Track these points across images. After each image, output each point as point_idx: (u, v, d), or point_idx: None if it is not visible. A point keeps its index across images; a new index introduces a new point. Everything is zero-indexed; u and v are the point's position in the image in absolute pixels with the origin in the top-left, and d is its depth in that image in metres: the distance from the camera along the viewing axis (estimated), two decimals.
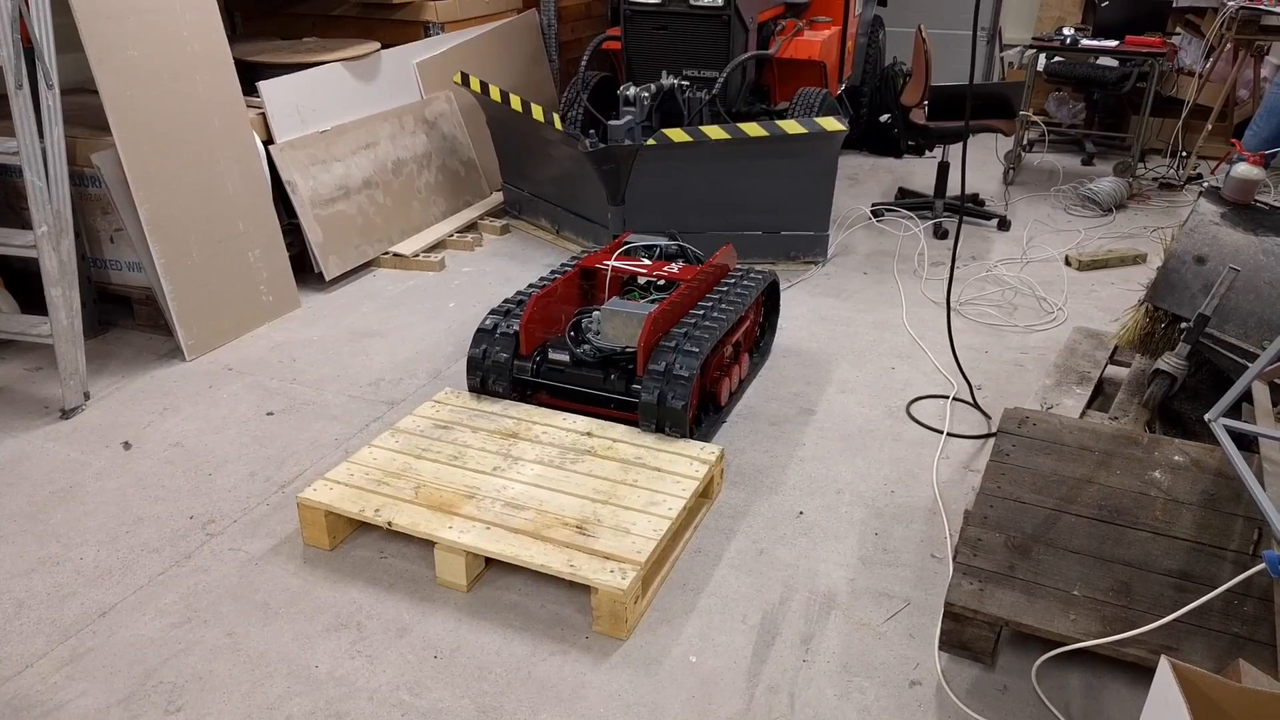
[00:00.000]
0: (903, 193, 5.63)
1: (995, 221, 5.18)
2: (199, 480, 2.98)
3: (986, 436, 3.17)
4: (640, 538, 2.43)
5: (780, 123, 4.28)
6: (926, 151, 6.56)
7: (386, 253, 4.70)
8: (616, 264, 3.43)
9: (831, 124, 4.24)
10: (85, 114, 3.80)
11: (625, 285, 3.47)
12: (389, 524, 2.52)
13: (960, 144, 5.10)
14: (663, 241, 3.66)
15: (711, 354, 3.09)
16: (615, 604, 2.28)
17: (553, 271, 3.48)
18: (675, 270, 3.39)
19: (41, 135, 3.15)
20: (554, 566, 2.34)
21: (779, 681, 2.20)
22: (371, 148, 4.74)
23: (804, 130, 4.25)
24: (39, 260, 3.22)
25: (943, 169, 5.12)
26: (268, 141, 4.21)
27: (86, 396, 3.43)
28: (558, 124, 4.52)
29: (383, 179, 4.78)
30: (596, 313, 3.13)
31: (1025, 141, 6.36)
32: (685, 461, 2.76)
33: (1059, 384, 3.16)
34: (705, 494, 2.80)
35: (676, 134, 4.33)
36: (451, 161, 5.29)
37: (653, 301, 3.30)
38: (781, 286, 4.40)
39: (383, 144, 4.81)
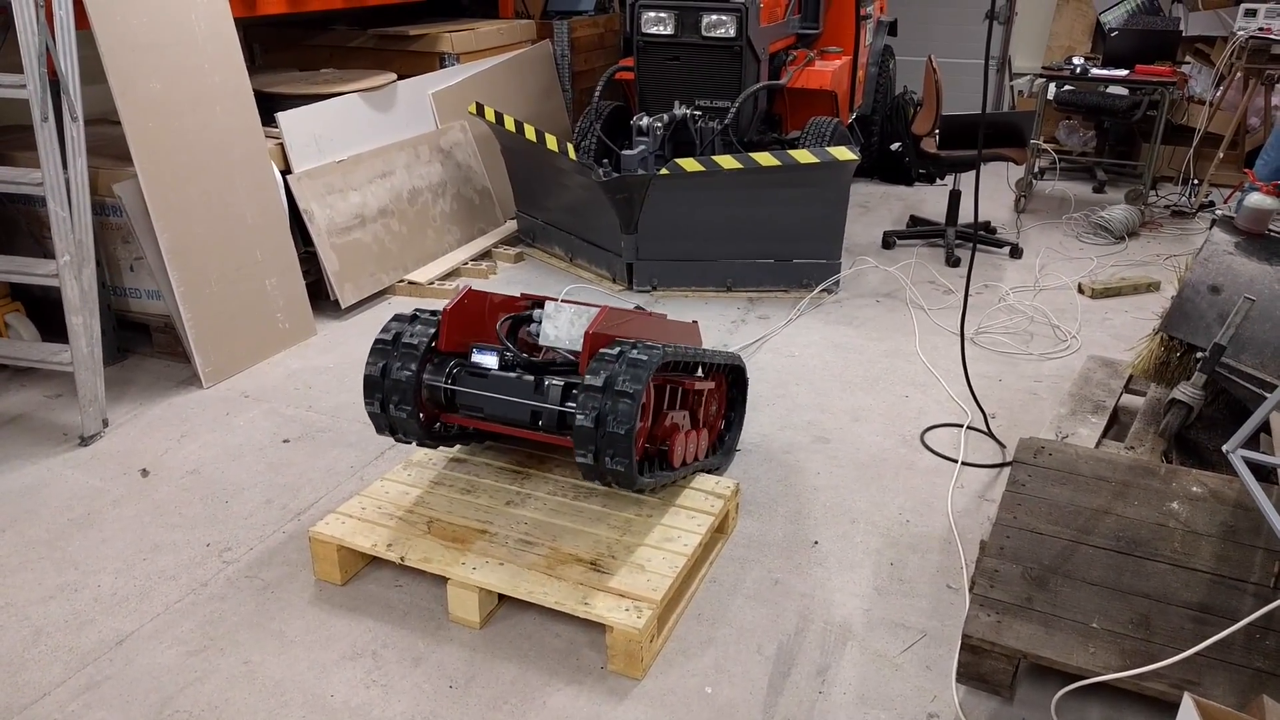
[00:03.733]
0: (914, 221, 5.65)
1: (1008, 249, 5.19)
2: (216, 508, 3.00)
3: (1001, 466, 3.17)
4: (656, 575, 2.42)
5: (792, 152, 4.32)
6: (938, 180, 6.59)
7: (402, 280, 4.74)
8: (567, 300, 2.87)
9: (843, 153, 4.27)
10: (107, 144, 3.85)
11: None
12: (401, 559, 2.53)
13: (971, 172, 5.12)
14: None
15: (661, 404, 2.62)
16: (631, 643, 2.27)
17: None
18: (630, 307, 2.94)
19: (65, 166, 3.20)
20: (569, 605, 2.33)
21: (794, 713, 2.19)
22: (387, 177, 4.79)
23: (816, 160, 4.28)
24: (61, 289, 3.26)
25: (954, 197, 5.14)
26: (285, 171, 4.27)
27: (105, 423, 3.46)
28: (571, 154, 4.56)
29: (398, 207, 4.82)
30: (539, 311, 2.69)
31: (1036, 169, 6.38)
32: (700, 496, 2.75)
33: (1074, 413, 3.15)
34: (720, 529, 2.79)
35: (689, 163, 4.37)
36: (466, 190, 5.34)
37: None
38: (793, 314, 4.42)
39: (398, 173, 4.87)
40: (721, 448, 3.15)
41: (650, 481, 2.51)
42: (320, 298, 4.44)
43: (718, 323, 4.35)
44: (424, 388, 2.57)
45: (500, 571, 2.44)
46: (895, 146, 6.36)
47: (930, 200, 6.25)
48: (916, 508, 2.96)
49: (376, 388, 2.56)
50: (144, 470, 3.21)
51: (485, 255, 5.20)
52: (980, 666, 2.13)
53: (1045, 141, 6.64)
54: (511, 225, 5.51)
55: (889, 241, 5.35)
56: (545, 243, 5.24)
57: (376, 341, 2.58)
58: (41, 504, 3.02)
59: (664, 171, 4.37)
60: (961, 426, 3.40)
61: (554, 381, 2.47)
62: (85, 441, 3.37)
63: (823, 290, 4.64)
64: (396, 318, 2.65)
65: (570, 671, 2.31)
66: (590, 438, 2.30)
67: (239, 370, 3.91)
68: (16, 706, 2.22)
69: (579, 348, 2.49)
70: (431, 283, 4.72)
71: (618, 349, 2.41)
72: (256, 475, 3.17)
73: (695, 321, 3.14)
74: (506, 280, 4.94)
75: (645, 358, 2.38)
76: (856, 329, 4.26)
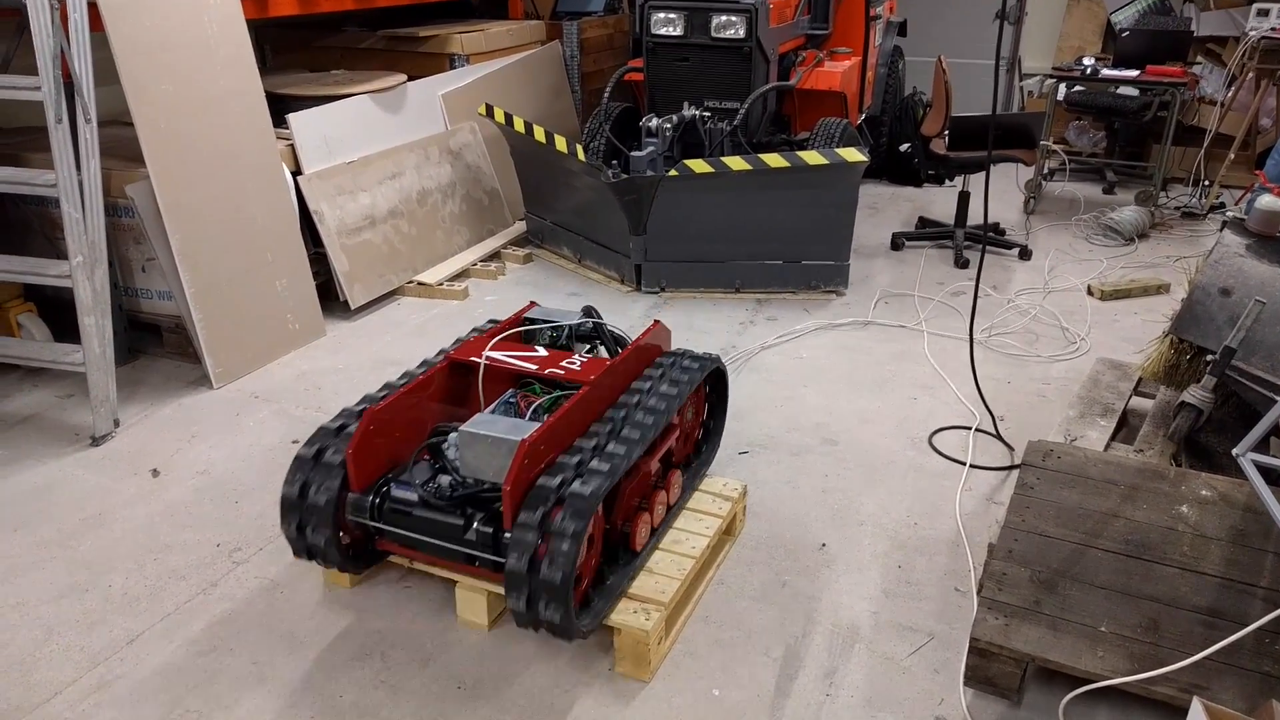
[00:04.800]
0: (923, 222, 5.64)
1: (1016, 251, 5.18)
2: (226, 508, 3.02)
3: (1010, 468, 3.16)
4: (663, 577, 2.42)
5: (801, 154, 4.32)
6: (947, 181, 6.57)
7: (411, 281, 4.75)
8: (495, 356, 2.61)
9: (852, 155, 4.27)
10: (119, 146, 3.88)
11: (521, 381, 2.69)
12: (410, 563, 2.53)
13: (980, 173, 5.11)
14: (570, 320, 2.89)
15: (620, 486, 2.36)
16: (639, 645, 2.28)
17: (422, 365, 2.75)
18: (576, 366, 2.59)
19: (79, 168, 3.22)
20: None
21: (802, 716, 2.19)
22: (397, 178, 4.81)
23: (825, 161, 4.27)
24: (73, 290, 3.29)
25: (963, 198, 5.13)
26: (296, 172, 4.28)
27: (116, 424, 3.48)
28: (580, 155, 4.57)
29: (408, 209, 4.84)
30: (453, 435, 2.36)
31: (1046, 170, 6.36)
32: (708, 499, 2.76)
33: (1083, 416, 3.15)
34: (728, 531, 2.79)
35: (698, 165, 4.37)
36: (475, 191, 5.36)
37: (545, 410, 2.51)
38: (802, 316, 4.41)
39: (408, 174, 4.88)
40: (697, 459, 2.94)
41: (592, 625, 2.22)
42: (329, 299, 4.46)
43: (726, 324, 4.35)
44: (337, 526, 2.35)
45: None
46: (904, 147, 6.35)
47: (939, 201, 6.23)
48: (924, 510, 2.96)
49: (294, 509, 2.35)
50: (154, 470, 3.23)
51: (494, 256, 5.21)
52: (988, 670, 2.13)
53: (1055, 142, 6.62)
54: (520, 226, 5.52)
55: (898, 243, 5.34)
56: (554, 244, 5.25)
57: (296, 458, 2.38)
58: (53, 504, 3.04)
59: (673, 173, 4.37)
60: (970, 429, 3.40)
61: (482, 527, 2.20)
62: (96, 442, 3.39)
63: (830, 292, 4.64)
64: (321, 431, 2.44)
65: (578, 674, 2.31)
66: (522, 582, 2.06)
67: (249, 371, 3.93)
68: (28, 705, 2.23)
69: (502, 479, 2.15)
70: (441, 284, 4.74)
71: (556, 478, 2.14)
72: (266, 476, 3.18)
73: (656, 322, 2.88)
74: (515, 281, 4.95)
75: (588, 491, 2.10)
76: (864, 330, 4.26)
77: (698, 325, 4.35)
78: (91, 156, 3.26)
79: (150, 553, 2.79)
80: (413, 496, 2.28)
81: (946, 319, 4.36)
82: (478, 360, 2.60)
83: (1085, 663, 2.02)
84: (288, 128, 4.29)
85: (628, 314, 4.49)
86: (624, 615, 2.29)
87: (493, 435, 2.22)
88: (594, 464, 2.22)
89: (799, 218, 4.48)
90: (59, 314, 3.94)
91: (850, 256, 4.65)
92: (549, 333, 2.86)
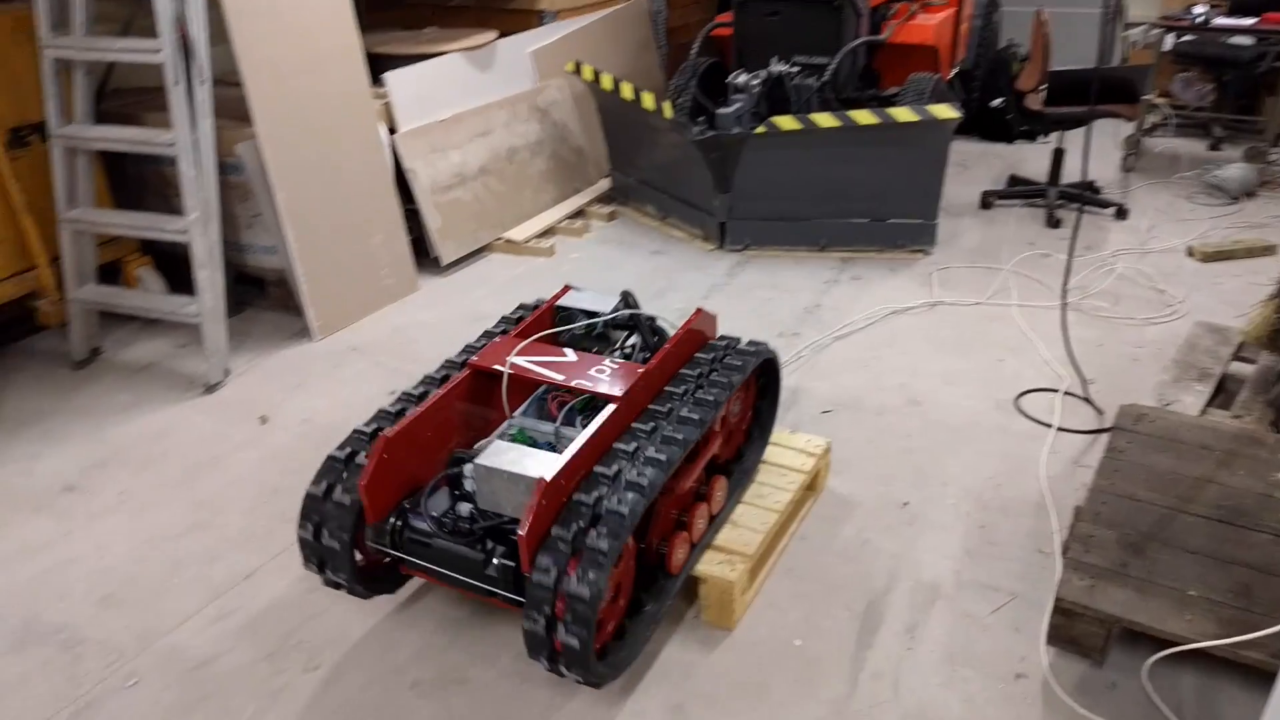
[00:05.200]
0: (1014, 180, 5.50)
1: (1113, 210, 5.02)
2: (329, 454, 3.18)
3: (1099, 432, 3.12)
4: (748, 530, 2.49)
5: (891, 110, 4.25)
6: (1040, 137, 6.37)
7: (499, 238, 4.86)
8: (519, 362, 2.40)
9: (944, 111, 4.19)
10: (226, 105, 4.03)
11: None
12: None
13: (1076, 129, 4.96)
14: (606, 309, 2.65)
15: (654, 505, 2.22)
16: (724, 594, 2.35)
17: (430, 376, 2.55)
18: (606, 376, 2.34)
19: (194, 128, 3.38)
20: None
21: (883, 668, 2.25)
22: (487, 135, 4.90)
23: (916, 118, 4.21)
24: (189, 245, 3.47)
25: (1058, 155, 4.99)
26: (391, 130, 4.41)
27: (227, 373, 3.68)
28: (667, 112, 4.59)
29: (497, 166, 4.93)
30: (469, 466, 2.20)
31: (1147, 126, 6.12)
32: (792, 454, 2.80)
33: (1178, 380, 3.08)
34: (811, 487, 2.83)
35: (786, 121, 4.35)
36: (562, 149, 5.42)
37: (579, 411, 2.35)
38: (888, 275, 4.38)
39: (498, 132, 4.97)
40: (745, 456, 2.73)
41: (628, 659, 2.15)
42: (422, 255, 4.59)
43: (810, 283, 4.35)
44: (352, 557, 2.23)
45: None
46: (997, 103, 6.17)
47: (1031, 159, 6.05)
48: (1009, 472, 2.95)
49: (312, 549, 2.23)
50: (263, 418, 3.42)
51: (579, 214, 5.28)
52: (1072, 630, 2.14)
53: (1159, 96, 6.34)
54: (605, 184, 5.57)
55: (987, 202, 5.23)
56: (638, 201, 5.29)
57: (308, 495, 2.26)
58: (173, 446, 3.25)
59: (760, 129, 4.36)
60: (1058, 392, 3.36)
61: (504, 561, 2.07)
62: (210, 389, 3.60)
63: (916, 251, 4.59)
64: (352, 440, 2.35)
65: (665, 621, 2.40)
66: (541, 645, 1.96)
67: (347, 324, 4.10)
68: (161, 630, 2.43)
69: (521, 514, 1.99)
70: (528, 241, 4.84)
71: (572, 526, 1.97)
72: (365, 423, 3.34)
73: (699, 311, 2.62)
74: (600, 239, 5.02)
75: (606, 547, 1.92)
76: (951, 291, 4.21)
77: (781, 284, 4.36)
78: (205, 116, 3.42)
79: (262, 495, 2.98)
80: (431, 527, 2.14)
81: (1036, 280, 4.28)
82: (500, 369, 2.39)
83: (1172, 626, 2.02)
84: (383, 86, 4.40)
85: (710, 272, 4.52)
86: (709, 566, 2.37)
87: (510, 471, 2.05)
88: (613, 508, 1.99)
89: (887, 175, 4.42)
90: (171, 268, 4.16)
91: (938, 215, 4.58)
92: (582, 323, 2.66)
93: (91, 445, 3.26)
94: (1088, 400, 3.29)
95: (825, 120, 4.31)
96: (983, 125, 6.49)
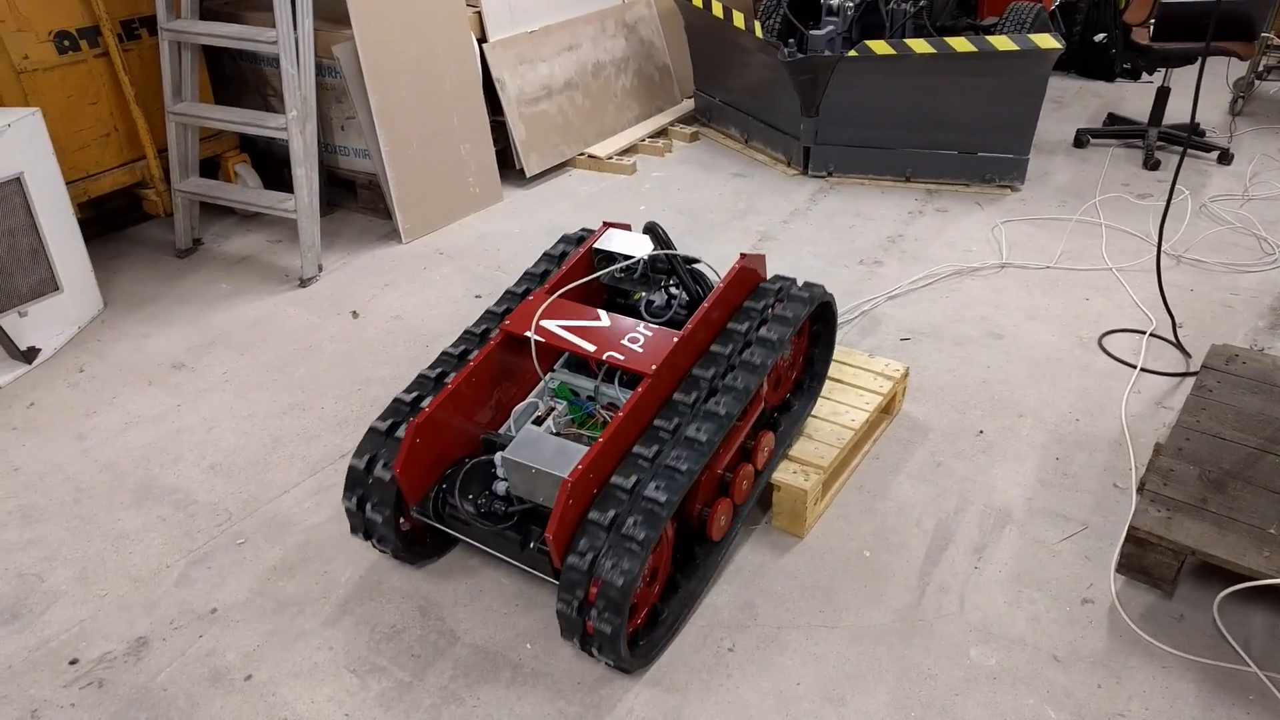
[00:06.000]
0: (1112, 119, 5.32)
1: (1216, 154, 4.84)
2: (416, 350, 3.30)
3: (1185, 375, 3.08)
4: (823, 444, 2.54)
5: (990, 38, 4.14)
6: (1145, 75, 6.13)
7: (582, 154, 4.89)
8: (549, 328, 2.30)
9: (1046, 41, 4.06)
10: (323, 7, 4.08)
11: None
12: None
13: (1183, 67, 4.76)
14: (642, 250, 2.51)
15: (689, 493, 2.14)
16: (796, 502, 2.42)
17: (470, 331, 2.50)
18: (639, 346, 2.21)
19: (295, 27, 3.45)
20: None
21: (949, 583, 2.31)
22: (574, 49, 4.89)
23: (1015, 47, 4.09)
24: (288, 142, 3.57)
25: (1162, 94, 4.80)
26: (481, 39, 4.43)
27: (320, 268, 3.82)
28: (758, 31, 4.52)
29: (582, 81, 4.93)
30: (500, 454, 2.16)
31: (1261, 68, 5.83)
32: (870, 376, 2.83)
33: (1273, 327, 3.02)
34: (887, 410, 2.87)
35: (879, 46, 4.26)
36: (647, 66, 5.38)
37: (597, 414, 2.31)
38: (973, 210, 4.32)
39: (585, 46, 4.95)
40: (797, 404, 2.61)
41: (663, 641, 2.12)
42: (506, 166, 4.65)
43: (893, 212, 4.31)
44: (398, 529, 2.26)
45: None
46: (1100, 37, 5.93)
47: (1131, 98, 5.84)
48: (1088, 408, 2.94)
49: (358, 483, 2.22)
50: (354, 312, 3.55)
51: (662, 133, 5.27)
52: (1144, 559, 2.17)
53: (1278, 35, 6.03)
54: (688, 104, 5.53)
55: (1082, 140, 5.08)
56: (721, 123, 5.25)
57: (371, 429, 2.26)
58: (272, 333, 3.40)
59: (852, 53, 4.28)
60: (1144, 333, 3.31)
61: (540, 545, 2.07)
62: (304, 283, 3.74)
63: (1005, 186, 4.50)
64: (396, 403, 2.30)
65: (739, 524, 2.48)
66: (574, 627, 1.95)
67: (434, 229, 4.19)
68: (265, 499, 2.60)
69: (553, 504, 1.96)
70: (610, 158, 4.85)
71: (610, 513, 1.94)
72: (451, 325, 3.45)
73: (743, 256, 2.45)
74: (681, 159, 5.01)
75: (642, 536, 1.88)
76: (1038, 228, 4.14)
77: (864, 212, 4.33)
78: (306, 16, 3.48)
79: (354, 383, 3.11)
80: (470, 509, 2.15)
81: (1129, 221, 4.18)
82: (529, 336, 2.30)
83: (1250, 561, 2.03)
84: None
85: (791, 197, 4.50)
86: (784, 475, 2.43)
87: (536, 467, 2.03)
88: (649, 501, 1.95)
89: (980, 107, 4.32)
90: (268, 167, 4.29)
91: (1030, 151, 4.47)
92: (618, 272, 2.54)
93: (196, 328, 3.43)
94: (1176, 343, 3.24)
95: (920, 46, 4.21)
96: (1083, 61, 6.26)
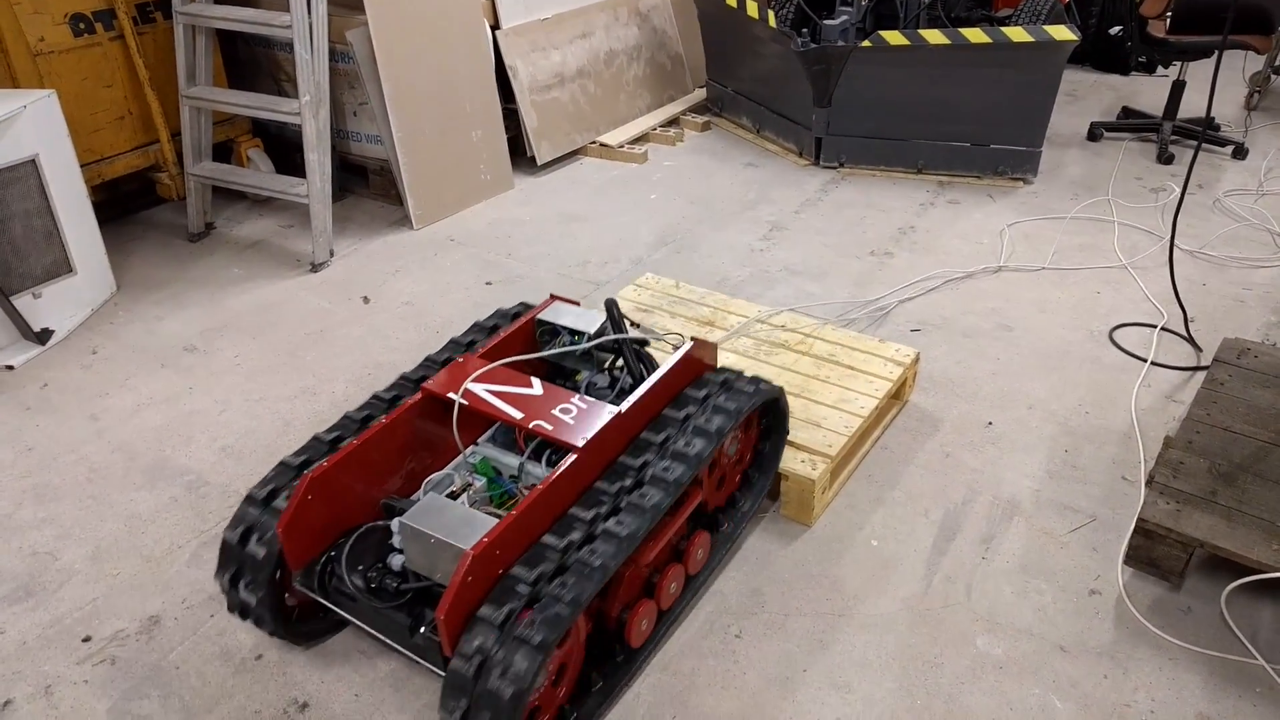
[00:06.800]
0: (1126, 112, 5.29)
1: (1230, 149, 4.81)
2: (427, 335, 3.32)
3: (1196, 369, 3.07)
4: (831, 432, 2.54)
5: (1005, 29, 4.12)
6: (1159, 69, 6.09)
7: (594, 142, 4.88)
8: (476, 392, 2.07)
9: (1061, 33, 4.04)
10: None
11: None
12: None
13: (1199, 60, 4.73)
14: (592, 326, 2.30)
15: (619, 571, 1.93)
16: (804, 492, 2.43)
17: (379, 396, 2.26)
18: (570, 418, 2.00)
19: (309, 12, 3.46)
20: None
21: (956, 573, 2.31)
22: (587, 37, 4.88)
23: (1030, 39, 4.07)
24: (301, 126, 3.58)
25: (1177, 87, 4.77)
26: (494, 26, 4.43)
27: (331, 254, 3.83)
28: (771, 21, 4.51)
29: (595, 69, 4.93)
30: (397, 521, 1.90)
31: (1279, 62, 5.79)
32: (879, 362, 2.83)
33: None
34: (896, 395, 2.87)
35: (893, 36, 4.25)
36: (660, 55, 5.37)
37: (551, 447, 2.09)
38: (985, 202, 4.30)
39: (598, 34, 4.95)
40: (739, 507, 2.39)
41: None
42: (517, 154, 4.65)
43: (904, 204, 4.30)
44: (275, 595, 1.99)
45: None
46: (1115, 30, 5.90)
47: (1146, 91, 5.80)
48: (1098, 401, 2.94)
49: (232, 558, 1.96)
50: (365, 297, 3.56)
51: (673, 122, 5.26)
52: (1152, 551, 2.17)
53: None
54: (700, 94, 5.52)
55: (1095, 133, 5.05)
56: (733, 113, 5.24)
57: (223, 542, 1.98)
58: (282, 318, 3.42)
59: (866, 43, 4.26)
60: (1156, 327, 3.30)
61: (431, 634, 1.79)
62: (315, 268, 3.75)
63: (1017, 179, 4.48)
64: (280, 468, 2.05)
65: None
66: None
67: (445, 216, 4.20)
68: None
69: (447, 582, 1.71)
70: (621, 146, 4.85)
71: (504, 608, 1.67)
72: (463, 311, 3.46)
73: (695, 340, 2.24)
74: (692, 148, 5.01)
75: (539, 640, 1.63)
76: (1050, 222, 4.12)
77: (876, 203, 4.32)
78: (320, 1, 3.48)
79: (365, 368, 3.13)
80: (357, 582, 1.89)
81: (1141, 215, 4.16)
82: (453, 398, 2.05)
83: (1259, 554, 2.03)
84: None
85: (803, 188, 4.50)
86: (793, 464, 2.44)
87: (436, 537, 1.78)
88: (552, 589, 1.71)
89: (994, 99, 4.30)
90: (279, 152, 4.30)
91: (1043, 144, 4.45)
92: (565, 342, 2.34)
93: (209, 311, 3.45)
94: (1188, 337, 3.23)
95: (934, 37, 4.19)
96: (1098, 54, 6.23)
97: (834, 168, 4.69)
